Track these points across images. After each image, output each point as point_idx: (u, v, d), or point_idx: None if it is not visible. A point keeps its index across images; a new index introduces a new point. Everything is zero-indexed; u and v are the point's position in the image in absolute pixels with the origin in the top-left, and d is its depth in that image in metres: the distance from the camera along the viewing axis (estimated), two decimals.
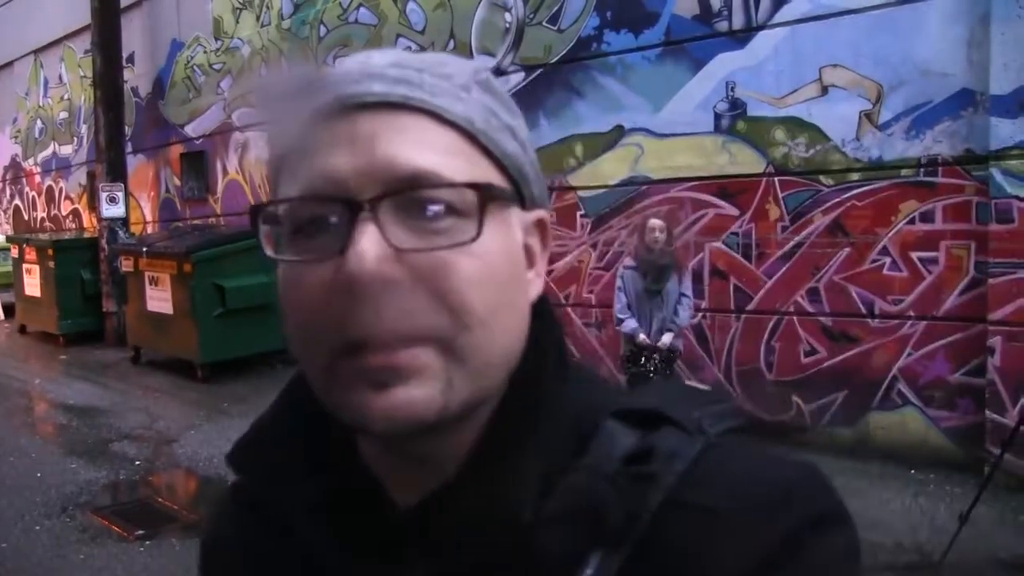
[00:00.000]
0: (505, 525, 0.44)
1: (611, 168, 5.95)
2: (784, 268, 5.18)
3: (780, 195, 5.17)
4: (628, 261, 4.76)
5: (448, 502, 0.46)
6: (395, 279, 0.42)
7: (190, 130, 10.29)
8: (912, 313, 4.72)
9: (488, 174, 0.47)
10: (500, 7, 6.57)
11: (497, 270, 0.45)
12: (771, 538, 0.41)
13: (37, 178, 14.21)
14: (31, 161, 14.37)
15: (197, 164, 10.20)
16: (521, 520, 0.44)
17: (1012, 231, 4.28)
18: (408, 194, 0.43)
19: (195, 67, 10.06)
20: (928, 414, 4.67)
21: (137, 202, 11.16)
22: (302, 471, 0.50)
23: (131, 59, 10.71)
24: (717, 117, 5.41)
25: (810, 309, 5.08)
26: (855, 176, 4.88)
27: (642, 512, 0.43)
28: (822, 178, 5.00)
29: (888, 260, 4.78)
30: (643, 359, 4.44)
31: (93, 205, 11.06)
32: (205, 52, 9.88)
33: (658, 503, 0.43)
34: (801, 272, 5.10)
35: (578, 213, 6.16)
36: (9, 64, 14.54)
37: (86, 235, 10.50)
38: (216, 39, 9.68)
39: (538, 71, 6.34)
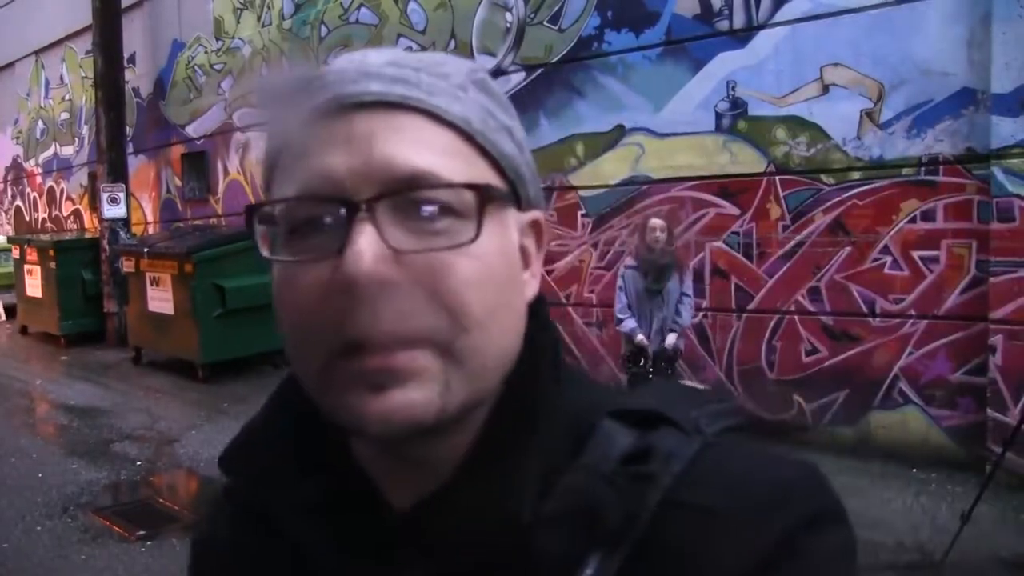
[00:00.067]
0: (503, 526, 0.44)
1: (612, 168, 5.95)
2: (785, 267, 5.17)
3: (781, 194, 5.16)
4: (629, 261, 4.76)
5: (445, 504, 0.46)
6: (393, 280, 0.42)
7: (191, 130, 10.29)
8: (913, 312, 4.71)
9: (486, 175, 0.46)
10: (501, 7, 6.56)
11: (495, 272, 0.45)
12: (768, 538, 0.41)
13: (38, 179, 14.22)
14: (32, 162, 14.38)
15: (198, 164, 10.21)
16: (519, 521, 0.43)
17: (1013, 230, 4.27)
18: (406, 194, 0.43)
19: (196, 67, 10.06)
20: (929, 413, 4.66)
21: (138, 202, 11.17)
22: (295, 473, 0.49)
23: (132, 59, 10.71)
24: (718, 116, 5.40)
25: (811, 308, 5.08)
26: (856, 175, 4.88)
27: (641, 512, 0.43)
28: (823, 177, 5.00)
29: (889, 259, 4.78)
30: (642, 359, 4.44)
31: (94, 206, 11.07)
32: (206, 52, 9.88)
33: (656, 503, 0.43)
34: (802, 271, 5.10)
35: (579, 213, 6.16)
36: (10, 65, 14.55)
37: (87, 236, 10.50)
38: (217, 39, 9.69)
39: (539, 71, 6.34)
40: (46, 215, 13.99)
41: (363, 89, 0.44)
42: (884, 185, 4.77)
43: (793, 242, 5.13)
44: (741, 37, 5.29)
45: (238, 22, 9.37)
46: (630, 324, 4.50)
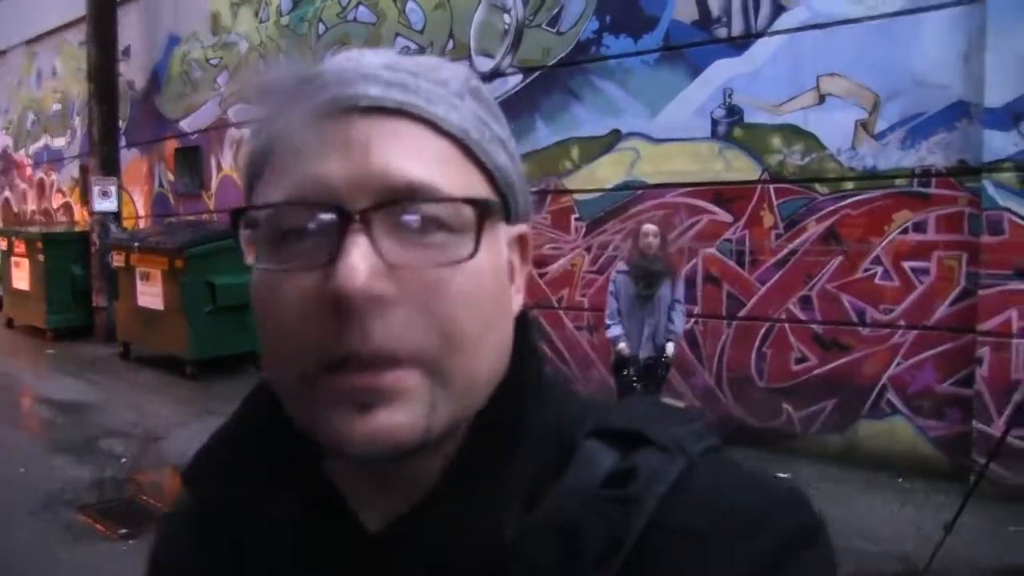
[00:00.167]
0: (484, 547, 0.43)
1: (607, 172, 5.95)
2: (777, 275, 5.19)
3: (775, 202, 5.18)
4: (621, 266, 4.76)
5: (423, 522, 0.45)
6: (386, 296, 0.40)
7: (185, 125, 10.24)
8: (903, 322, 4.74)
9: (480, 187, 0.45)
10: (500, 8, 6.56)
11: (488, 289, 0.44)
12: (753, 559, 0.41)
13: (28, 170, 14.12)
14: (22, 152, 14.28)
15: (192, 159, 10.16)
16: (501, 542, 0.42)
17: (1003, 243, 4.30)
18: (402, 206, 0.42)
19: (192, 62, 10.02)
20: (916, 423, 4.68)
21: (130, 197, 11.10)
22: (262, 487, 0.48)
23: (127, 52, 10.66)
24: (714, 123, 5.42)
25: (802, 317, 5.10)
26: (849, 185, 4.90)
27: (626, 535, 0.42)
28: (817, 186, 5.02)
29: (880, 269, 4.80)
30: (625, 369, 4.46)
31: (85, 199, 11.00)
32: (202, 47, 9.84)
33: (642, 526, 0.42)
34: (794, 280, 5.12)
35: (573, 216, 6.16)
36: (3, 53, 14.44)
37: (77, 229, 10.44)
38: (213, 34, 9.65)
39: (536, 73, 6.34)
40: (36, 207, 13.89)
41: (361, 93, 0.43)
42: (877, 196, 4.79)
43: (786, 250, 5.14)
44: (739, 45, 5.31)
45: (235, 17, 9.34)
46: (615, 332, 4.52)
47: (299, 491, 0.47)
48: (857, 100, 4.84)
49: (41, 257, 9.45)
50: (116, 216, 9.54)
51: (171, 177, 10.57)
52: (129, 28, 10.36)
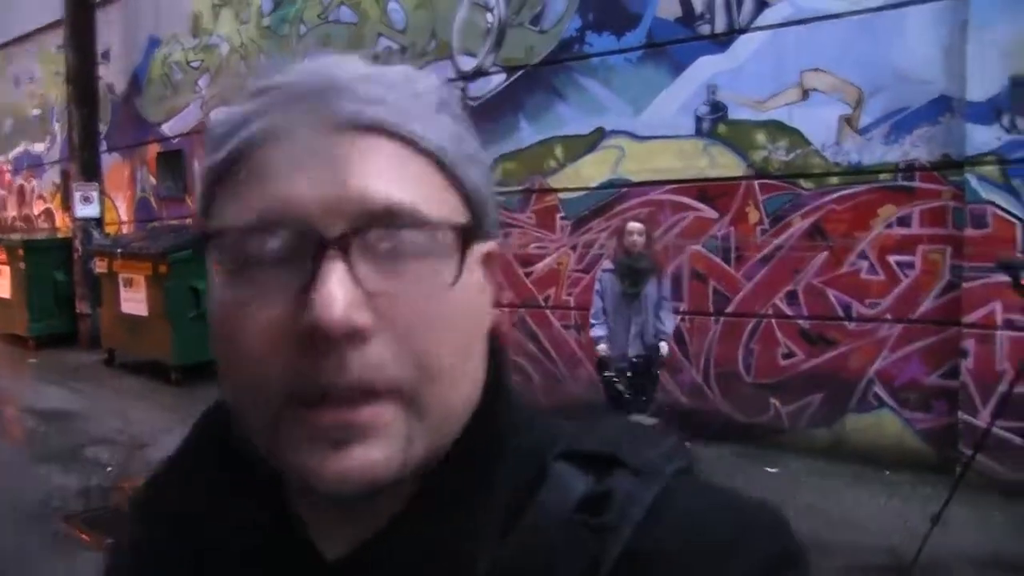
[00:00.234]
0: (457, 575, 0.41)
1: (591, 170, 5.94)
2: (763, 271, 5.20)
3: (760, 198, 5.19)
4: (607, 264, 4.76)
5: (392, 550, 0.43)
6: (365, 328, 0.38)
7: (167, 129, 10.15)
8: (889, 316, 4.76)
9: (457, 207, 0.44)
10: (482, 7, 6.54)
11: (466, 315, 0.42)
12: None
13: (8, 176, 13.94)
14: (1, 158, 14.10)
15: (174, 163, 10.06)
16: (475, 571, 0.41)
17: (986, 236, 4.33)
18: (382, 231, 0.40)
19: (172, 64, 9.93)
20: (903, 416, 4.71)
21: (112, 202, 10.99)
22: (219, 515, 0.46)
23: (106, 55, 10.54)
24: (698, 120, 5.42)
25: (788, 312, 5.11)
26: (834, 180, 4.91)
27: (602, 562, 0.40)
28: (802, 182, 5.03)
29: (866, 264, 4.82)
30: (605, 370, 4.48)
31: (67, 205, 10.88)
32: (183, 49, 9.75)
33: (618, 553, 0.41)
34: (780, 275, 5.13)
35: (558, 215, 6.14)
36: None
37: (59, 235, 10.32)
38: (194, 36, 9.56)
39: (519, 72, 6.32)
40: (16, 214, 13.72)
41: (335, 108, 0.41)
42: (861, 191, 4.81)
43: (771, 246, 5.15)
44: (722, 41, 5.31)
45: (216, 19, 9.26)
46: (597, 332, 4.54)
47: (257, 517, 0.45)
48: (841, 95, 4.85)
49: (22, 264, 9.34)
50: (98, 222, 9.44)
51: (153, 181, 10.47)
52: (108, 30, 10.25)
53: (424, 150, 0.42)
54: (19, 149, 13.55)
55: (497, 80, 6.44)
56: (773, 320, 5.17)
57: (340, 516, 0.44)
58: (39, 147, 13.00)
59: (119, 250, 7.86)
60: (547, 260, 6.21)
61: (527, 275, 6.29)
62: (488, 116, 6.38)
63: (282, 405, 0.39)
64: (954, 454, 4.29)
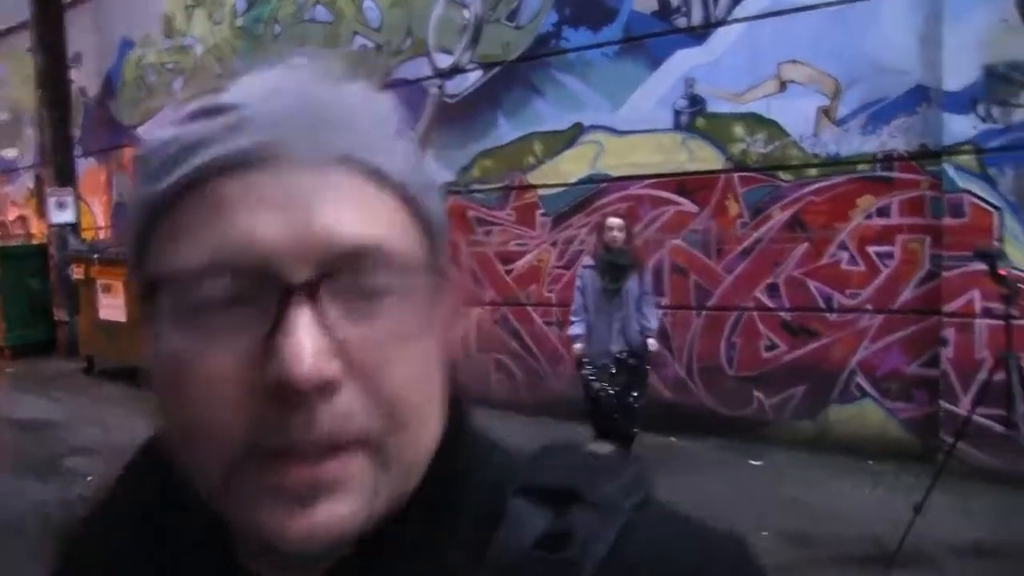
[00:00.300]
0: None
1: (570, 166, 5.92)
2: (744, 264, 5.20)
3: (739, 191, 5.19)
4: (587, 260, 4.74)
5: None
6: (335, 379, 0.35)
7: (142, 132, 10.02)
8: (869, 306, 4.77)
9: (421, 241, 0.41)
10: (458, 4, 6.49)
11: (433, 357, 0.40)
12: None
13: None
14: None
15: None
16: None
17: (964, 225, 4.35)
18: (352, 274, 0.37)
19: (146, 66, 9.80)
20: (886, 406, 4.73)
21: (88, 207, 10.83)
22: (154, 562, 0.43)
23: (78, 58, 10.39)
24: (676, 114, 5.41)
25: (770, 304, 5.12)
26: (813, 172, 4.92)
27: None
28: (780, 174, 5.03)
29: (846, 255, 4.83)
30: (585, 368, 4.48)
31: (41, 211, 10.72)
32: (156, 51, 9.62)
33: None
34: (760, 268, 5.13)
35: (538, 212, 6.11)
36: None
37: (34, 242, 10.17)
38: (167, 37, 9.44)
39: (497, 68, 6.28)
40: None
41: (298, 138, 0.37)
42: (840, 182, 4.82)
43: (751, 239, 5.15)
44: (699, 34, 5.30)
45: (189, 20, 9.14)
46: (575, 331, 4.54)
47: (196, 562, 0.42)
48: (818, 87, 4.85)
49: None
50: (75, 227, 9.31)
51: (131, 185, 10.32)
52: (79, 32, 10.08)
53: (391, 183, 0.40)
54: None
55: (474, 77, 6.40)
56: (755, 313, 5.18)
57: (289, 564, 0.42)
58: (11, 152, 12.80)
59: (96, 256, 7.76)
60: (528, 257, 6.18)
61: (508, 272, 6.26)
62: (466, 113, 6.34)
63: (240, 458, 0.36)
64: (936, 443, 4.31)
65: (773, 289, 5.09)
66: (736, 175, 5.19)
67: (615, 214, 4.76)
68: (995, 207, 4.29)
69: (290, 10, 7.85)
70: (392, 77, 6.62)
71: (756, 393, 5.16)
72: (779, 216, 5.04)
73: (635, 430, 4.52)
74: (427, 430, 0.41)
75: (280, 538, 0.37)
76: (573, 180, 5.91)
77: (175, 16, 9.30)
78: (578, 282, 4.62)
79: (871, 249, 4.74)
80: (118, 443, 6.00)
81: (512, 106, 6.18)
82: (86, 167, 10.66)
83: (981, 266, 3.98)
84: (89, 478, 5.06)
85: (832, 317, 4.90)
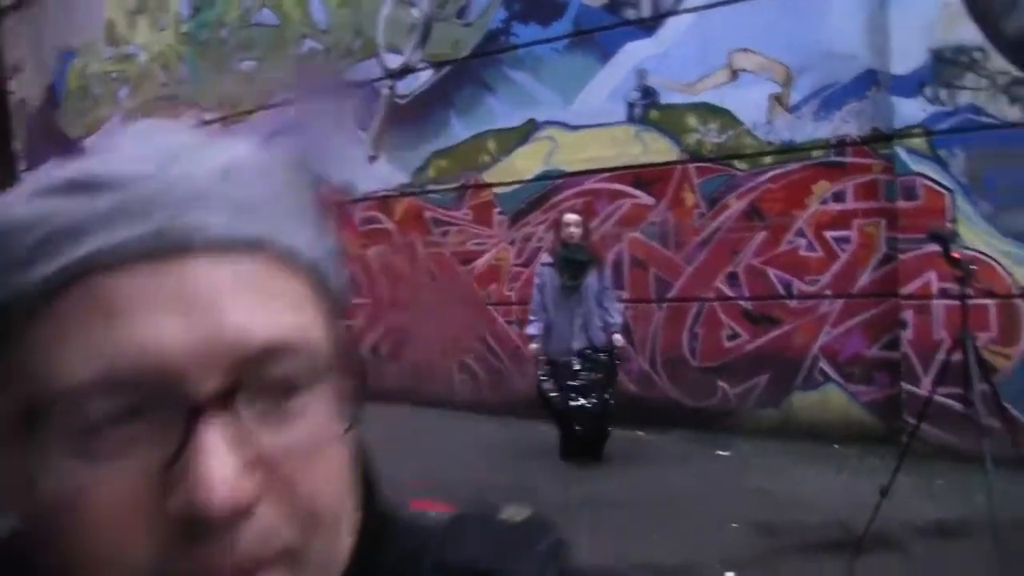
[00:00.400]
0: None
1: (525, 163, 5.86)
2: (703, 254, 5.18)
3: (695, 182, 5.17)
4: (545, 258, 4.67)
5: None
6: (252, 500, 0.30)
7: (90, 144, 9.72)
8: (829, 292, 4.78)
9: (330, 323, 0.36)
10: (406, 2, 6.38)
11: (347, 447, 0.36)
12: None
13: None
14: None
15: None
16: None
17: (918, 207, 4.37)
18: (268, 380, 0.32)
19: (90, 76, 9.51)
20: (848, 390, 4.74)
21: None
22: None
23: (16, 68, 10.05)
24: (629, 107, 5.37)
25: (730, 293, 5.10)
26: (768, 160, 4.92)
27: None
28: (736, 163, 5.02)
29: (804, 241, 4.83)
30: (541, 367, 4.46)
31: None
32: (100, 60, 9.35)
33: None
34: (719, 257, 5.11)
35: (495, 211, 6.04)
36: None
37: None
38: (110, 45, 9.17)
39: (447, 67, 6.19)
40: None
41: (200, 222, 0.31)
42: (795, 168, 4.82)
43: (709, 229, 5.14)
44: (649, 26, 5.27)
45: (132, 27, 8.89)
46: (531, 330, 4.52)
47: None
48: (770, 74, 4.85)
49: None
50: None
51: None
52: (15, 42, 9.77)
53: (304, 265, 0.35)
54: None
55: (425, 76, 6.30)
56: (716, 303, 5.16)
57: None
58: None
59: None
60: (486, 256, 6.10)
61: (469, 271, 6.17)
62: (418, 113, 6.24)
63: None
64: (899, 424, 4.32)
65: (733, 278, 5.08)
66: (691, 166, 5.17)
67: (571, 210, 4.72)
68: (947, 189, 4.32)
69: (236, 14, 7.67)
70: (343, 79, 6.50)
71: (720, 383, 5.14)
72: (736, 205, 5.03)
73: (608, 428, 4.48)
74: (344, 529, 0.36)
75: None
76: (528, 177, 5.85)
77: (117, 23, 9.04)
78: (536, 280, 4.55)
79: (828, 234, 4.75)
80: None
81: (464, 104, 6.10)
82: None
83: (936, 248, 4.00)
84: None
85: (792, 304, 4.89)
